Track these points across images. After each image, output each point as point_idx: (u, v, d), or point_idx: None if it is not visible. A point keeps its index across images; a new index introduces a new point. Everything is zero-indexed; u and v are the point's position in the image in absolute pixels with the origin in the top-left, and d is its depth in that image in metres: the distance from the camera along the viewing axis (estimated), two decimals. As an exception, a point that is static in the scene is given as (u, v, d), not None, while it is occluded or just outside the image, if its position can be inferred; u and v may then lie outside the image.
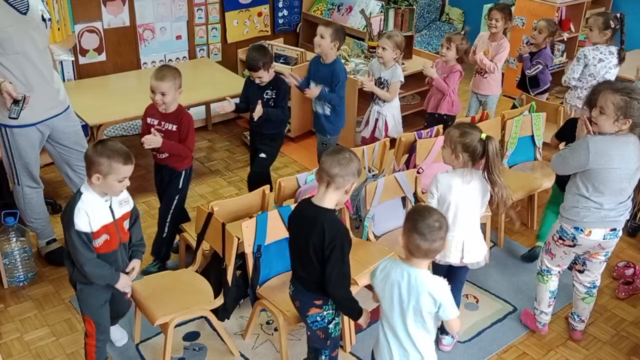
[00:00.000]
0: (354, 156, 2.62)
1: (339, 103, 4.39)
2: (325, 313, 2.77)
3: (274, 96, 4.12)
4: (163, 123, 3.61)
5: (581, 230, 3.14)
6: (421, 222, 2.40)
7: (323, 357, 2.90)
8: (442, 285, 2.45)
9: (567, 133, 3.63)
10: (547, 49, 5.01)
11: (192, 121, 3.69)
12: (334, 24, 4.52)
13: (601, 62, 4.50)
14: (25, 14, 3.41)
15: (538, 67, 4.98)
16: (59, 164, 3.92)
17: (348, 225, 3.56)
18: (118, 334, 3.36)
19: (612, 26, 4.49)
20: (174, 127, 3.59)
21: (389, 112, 4.61)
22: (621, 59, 4.57)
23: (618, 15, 4.66)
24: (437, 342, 3.34)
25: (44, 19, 3.54)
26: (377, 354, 2.65)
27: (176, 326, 3.12)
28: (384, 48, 4.44)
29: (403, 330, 2.50)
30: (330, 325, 2.80)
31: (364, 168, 3.95)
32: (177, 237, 3.88)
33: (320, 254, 2.59)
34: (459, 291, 3.33)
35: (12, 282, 3.79)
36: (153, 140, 3.51)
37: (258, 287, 3.24)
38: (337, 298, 2.69)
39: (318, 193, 2.65)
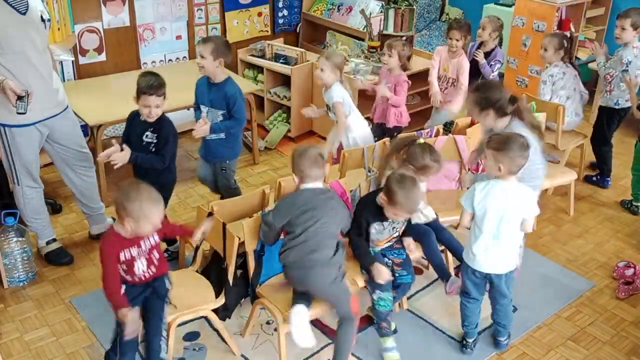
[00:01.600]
0: (416, 184, 3.07)
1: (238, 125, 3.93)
2: None
3: (154, 140, 3.53)
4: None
5: None
6: (515, 145, 3.00)
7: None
8: (529, 190, 3.11)
9: None
10: (497, 48, 5.02)
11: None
12: (214, 39, 3.89)
13: (565, 75, 4.70)
14: (24, 14, 3.41)
15: (498, 66, 4.97)
16: (58, 164, 3.92)
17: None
18: None
19: (565, 46, 4.68)
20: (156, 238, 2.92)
21: (351, 135, 4.26)
22: (579, 73, 4.82)
23: (569, 34, 5.02)
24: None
25: (43, 20, 3.53)
26: (471, 258, 3.18)
27: (176, 326, 3.12)
28: (321, 69, 4.12)
29: (499, 233, 3.07)
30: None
31: (364, 168, 3.95)
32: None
33: None
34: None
35: (12, 282, 3.78)
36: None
37: (258, 285, 3.25)
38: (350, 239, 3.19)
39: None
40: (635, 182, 4.67)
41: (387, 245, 3.33)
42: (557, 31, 5.68)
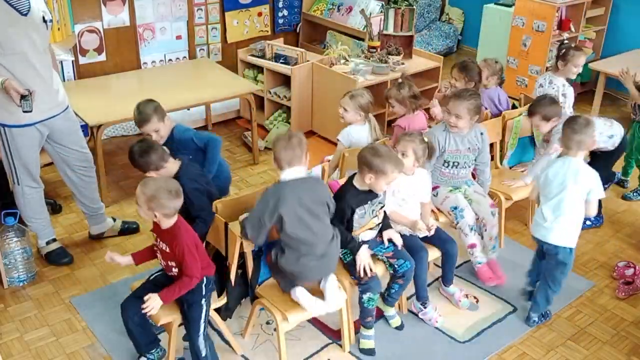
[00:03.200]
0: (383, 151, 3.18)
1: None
2: None
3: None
4: (159, 241, 3.00)
5: None
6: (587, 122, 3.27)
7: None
8: (592, 171, 3.31)
9: None
10: (494, 89, 4.58)
11: (191, 239, 2.93)
12: (150, 108, 3.58)
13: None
14: (25, 15, 3.41)
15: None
16: (58, 164, 3.92)
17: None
18: None
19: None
20: (167, 248, 2.95)
21: None
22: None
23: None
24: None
25: (45, 21, 3.53)
26: (536, 229, 3.43)
27: (177, 326, 3.11)
28: (344, 109, 3.99)
29: (561, 205, 3.29)
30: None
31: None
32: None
33: None
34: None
35: (12, 282, 3.79)
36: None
37: (257, 285, 3.25)
38: None
39: None
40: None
41: (369, 235, 3.33)
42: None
